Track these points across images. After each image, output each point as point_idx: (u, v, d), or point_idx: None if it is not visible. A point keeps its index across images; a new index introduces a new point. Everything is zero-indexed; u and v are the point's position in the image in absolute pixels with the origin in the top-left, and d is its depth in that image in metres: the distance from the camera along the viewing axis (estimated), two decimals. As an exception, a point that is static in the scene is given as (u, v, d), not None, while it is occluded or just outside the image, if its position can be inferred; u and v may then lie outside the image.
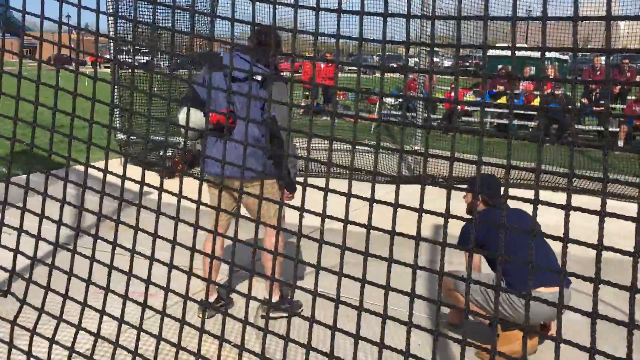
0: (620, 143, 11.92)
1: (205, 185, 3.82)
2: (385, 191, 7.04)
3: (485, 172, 4.12)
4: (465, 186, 4.92)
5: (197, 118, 3.42)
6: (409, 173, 8.92)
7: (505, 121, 13.88)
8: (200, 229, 1.93)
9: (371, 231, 1.65)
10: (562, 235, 1.37)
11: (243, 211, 4.25)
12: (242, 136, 3.66)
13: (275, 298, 3.99)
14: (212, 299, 4.07)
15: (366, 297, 1.66)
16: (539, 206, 1.38)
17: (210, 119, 3.48)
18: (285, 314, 3.97)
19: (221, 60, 3.86)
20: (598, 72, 13.78)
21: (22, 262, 2.44)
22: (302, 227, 1.76)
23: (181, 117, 3.61)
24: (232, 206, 4.01)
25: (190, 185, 2.19)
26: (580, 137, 13.11)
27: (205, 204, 1.95)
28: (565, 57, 18.63)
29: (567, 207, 1.32)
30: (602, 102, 13.20)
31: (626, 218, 1.27)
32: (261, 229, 3.91)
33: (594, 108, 13.11)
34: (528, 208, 1.63)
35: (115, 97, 7.81)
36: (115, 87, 7.03)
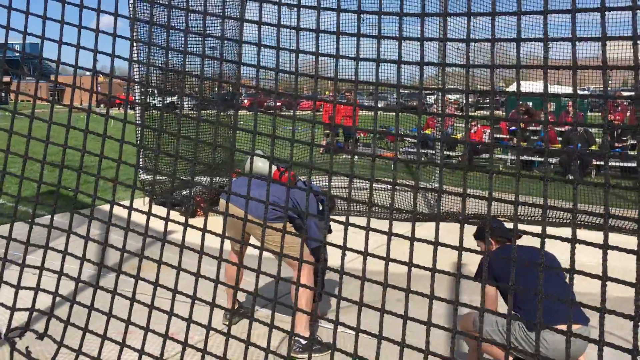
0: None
1: (219, 218, 3.98)
2: (406, 229, 7.01)
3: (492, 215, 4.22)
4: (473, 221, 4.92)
5: (263, 164, 3.86)
6: (429, 210, 8.89)
7: (527, 158, 13.82)
8: (224, 262, 1.96)
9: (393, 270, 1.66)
10: (600, 274, 1.37)
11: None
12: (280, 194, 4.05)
13: (306, 334, 3.98)
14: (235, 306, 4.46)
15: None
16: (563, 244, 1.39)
17: (273, 174, 3.89)
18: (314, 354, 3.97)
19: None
20: (619, 108, 13.73)
21: (48, 302, 2.48)
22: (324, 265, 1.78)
23: (249, 163, 4.03)
24: (247, 237, 4.16)
25: (209, 226, 2.23)
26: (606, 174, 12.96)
27: (225, 237, 1.99)
28: (584, 93, 18.59)
29: (572, 242, 1.33)
30: (624, 137, 13.10)
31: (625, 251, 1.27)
32: (288, 268, 4.04)
33: (617, 144, 13.02)
34: (549, 246, 1.64)
35: (137, 136, 7.97)
36: (140, 128, 7.18)
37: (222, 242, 1.98)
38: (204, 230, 1.98)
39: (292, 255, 3.85)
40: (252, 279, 2.00)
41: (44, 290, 2.35)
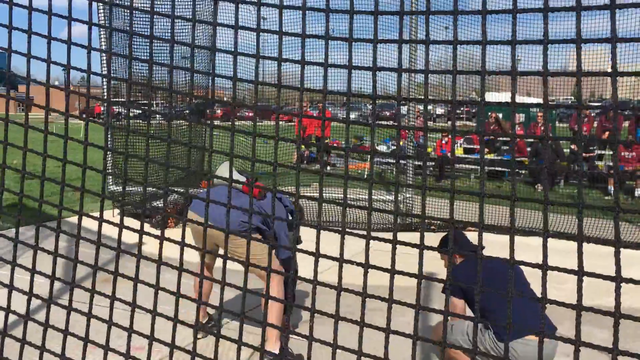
0: (611, 188, 12.00)
1: (188, 230, 3.94)
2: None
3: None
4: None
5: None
6: (401, 221, 8.92)
7: (498, 168, 14.00)
8: (187, 272, 1.92)
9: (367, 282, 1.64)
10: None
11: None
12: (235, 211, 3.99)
13: (275, 350, 3.94)
14: (203, 320, 4.46)
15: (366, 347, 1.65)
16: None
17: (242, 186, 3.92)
18: None
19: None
20: (585, 119, 14.00)
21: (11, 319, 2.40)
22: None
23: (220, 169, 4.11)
24: (215, 249, 4.13)
25: (174, 235, 2.19)
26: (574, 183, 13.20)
27: (189, 245, 1.95)
28: (553, 103, 18.94)
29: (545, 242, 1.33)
30: (591, 147, 13.36)
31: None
32: (259, 280, 4.01)
33: (584, 154, 13.26)
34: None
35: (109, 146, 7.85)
36: (109, 138, 7.07)
37: (182, 252, 1.94)
38: (181, 243, 1.93)
39: (262, 266, 3.83)
40: (228, 289, 1.96)
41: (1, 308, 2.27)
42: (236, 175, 4.03)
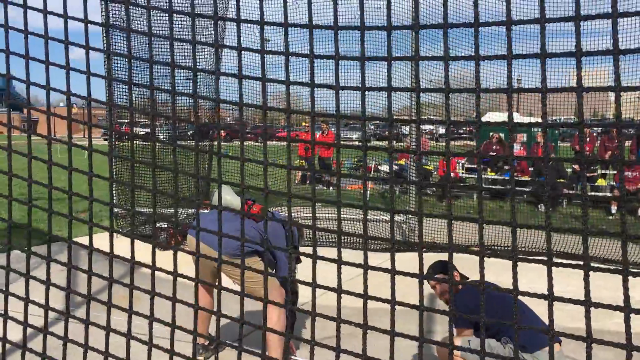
0: (614, 209, 11.96)
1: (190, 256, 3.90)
2: (381, 260, 6.99)
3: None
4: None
5: (232, 197, 3.79)
6: (403, 240, 8.89)
7: (499, 187, 13.98)
8: (180, 303, 1.89)
9: (368, 302, 1.62)
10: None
11: (227, 282, 4.24)
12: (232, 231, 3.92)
13: None
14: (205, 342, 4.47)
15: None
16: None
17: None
18: None
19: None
20: (588, 138, 14.01)
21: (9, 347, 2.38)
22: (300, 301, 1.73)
23: (216, 194, 3.91)
24: (213, 276, 4.03)
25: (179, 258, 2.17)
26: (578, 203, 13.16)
27: (183, 275, 1.93)
28: (554, 122, 18.97)
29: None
30: (593, 167, 13.34)
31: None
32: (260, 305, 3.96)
33: (587, 174, 13.24)
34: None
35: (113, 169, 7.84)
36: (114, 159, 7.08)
37: (175, 279, 1.90)
38: (153, 267, 1.91)
39: (260, 289, 3.80)
40: (229, 312, 1.94)
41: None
42: (234, 198, 4.00)
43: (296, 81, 1.59)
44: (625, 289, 1.19)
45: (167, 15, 1.75)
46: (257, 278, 3.72)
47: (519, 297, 1.41)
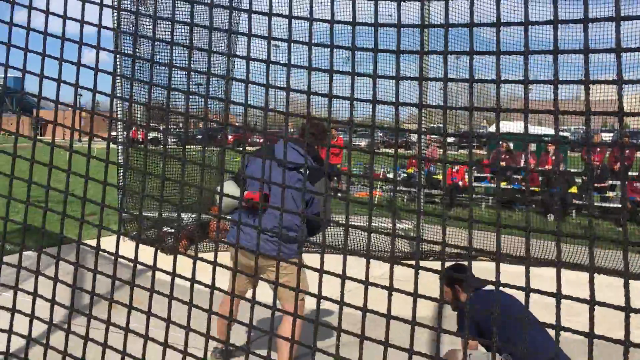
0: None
1: (226, 257, 3.84)
2: (383, 271, 6.97)
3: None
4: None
5: (231, 191, 3.61)
6: (410, 249, 8.87)
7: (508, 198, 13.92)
8: (195, 307, 1.89)
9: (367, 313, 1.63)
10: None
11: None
12: (272, 220, 3.73)
13: None
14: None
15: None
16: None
17: (245, 194, 3.65)
18: None
19: (272, 149, 3.91)
20: (598, 149, 13.93)
21: (16, 343, 2.39)
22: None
23: (219, 188, 3.82)
24: (246, 282, 3.96)
25: (184, 261, 2.16)
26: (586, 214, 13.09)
27: (201, 282, 1.93)
28: (566, 133, 18.93)
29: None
30: (604, 177, 13.26)
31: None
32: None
33: (596, 184, 13.17)
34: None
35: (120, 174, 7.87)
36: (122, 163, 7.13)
37: (192, 286, 1.90)
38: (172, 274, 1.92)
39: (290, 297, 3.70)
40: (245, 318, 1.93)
41: (16, 333, 2.26)
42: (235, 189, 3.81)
43: (316, 91, 1.64)
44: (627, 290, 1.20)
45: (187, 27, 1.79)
46: (294, 282, 3.64)
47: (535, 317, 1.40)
